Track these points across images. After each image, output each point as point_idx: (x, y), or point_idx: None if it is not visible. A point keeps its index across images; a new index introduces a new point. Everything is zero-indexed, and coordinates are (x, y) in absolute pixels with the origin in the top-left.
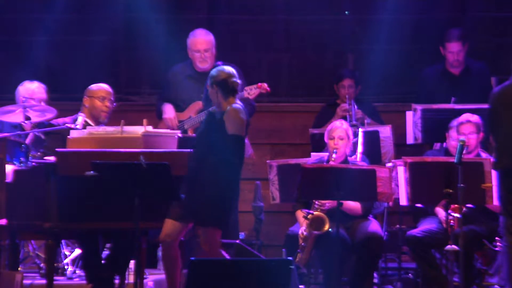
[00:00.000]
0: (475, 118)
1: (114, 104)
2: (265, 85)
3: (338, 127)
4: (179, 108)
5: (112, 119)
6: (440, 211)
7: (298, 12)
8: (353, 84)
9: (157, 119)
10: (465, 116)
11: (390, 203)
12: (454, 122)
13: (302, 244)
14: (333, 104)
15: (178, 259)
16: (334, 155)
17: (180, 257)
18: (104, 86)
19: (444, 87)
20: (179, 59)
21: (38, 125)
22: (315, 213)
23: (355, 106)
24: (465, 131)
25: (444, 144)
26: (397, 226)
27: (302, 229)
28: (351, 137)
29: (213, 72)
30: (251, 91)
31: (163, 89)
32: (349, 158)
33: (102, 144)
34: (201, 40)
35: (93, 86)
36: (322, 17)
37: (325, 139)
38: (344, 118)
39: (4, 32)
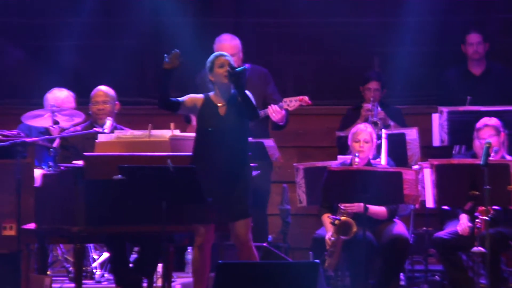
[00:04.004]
0: (493, 121)
1: (112, 104)
2: (306, 98)
3: (363, 130)
4: None
5: (140, 123)
6: (463, 219)
7: (324, 15)
8: (379, 87)
9: (184, 123)
10: (483, 121)
11: (417, 206)
12: (477, 125)
13: (330, 249)
14: (359, 107)
15: (209, 264)
16: (357, 159)
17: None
18: (98, 90)
19: (464, 87)
20: (206, 62)
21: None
22: (342, 218)
23: (378, 108)
24: (484, 135)
25: (463, 147)
26: (424, 228)
27: (329, 234)
28: (375, 140)
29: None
30: (291, 103)
31: (192, 93)
32: (372, 161)
33: (129, 148)
34: (227, 45)
35: (92, 92)
36: (347, 20)
37: (349, 142)
38: (367, 118)
39: (31, 37)
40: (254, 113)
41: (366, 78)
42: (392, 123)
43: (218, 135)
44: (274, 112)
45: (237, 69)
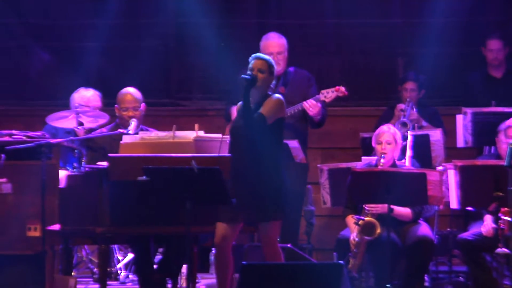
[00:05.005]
0: None
1: (141, 108)
2: (342, 88)
3: (385, 132)
4: None
5: (164, 124)
6: (487, 220)
7: (348, 16)
8: (416, 88)
9: (203, 124)
10: None
11: (441, 207)
12: (502, 126)
13: (354, 250)
14: (395, 107)
15: (231, 263)
16: (382, 160)
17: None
18: (127, 94)
19: (487, 90)
20: (230, 63)
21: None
22: (366, 218)
23: (413, 109)
24: None
25: (493, 148)
26: (448, 229)
27: (353, 235)
28: (399, 141)
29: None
30: (328, 95)
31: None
32: (397, 162)
33: (154, 149)
34: (274, 43)
35: (119, 95)
36: (371, 21)
37: (373, 144)
38: (399, 118)
39: (56, 38)
40: (249, 121)
41: (404, 78)
42: (425, 124)
43: (238, 135)
44: (311, 106)
45: (243, 75)
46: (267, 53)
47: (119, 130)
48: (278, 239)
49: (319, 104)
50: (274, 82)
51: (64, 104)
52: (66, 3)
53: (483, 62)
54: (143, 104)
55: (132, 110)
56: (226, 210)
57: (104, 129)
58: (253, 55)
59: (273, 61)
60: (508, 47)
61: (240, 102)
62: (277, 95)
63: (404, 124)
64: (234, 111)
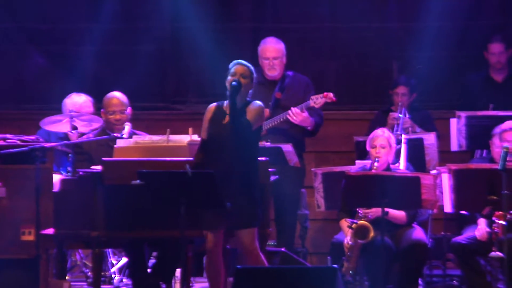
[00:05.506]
0: None
1: (127, 112)
2: (330, 94)
3: (380, 136)
4: None
5: (158, 128)
6: (481, 223)
7: (344, 20)
8: (407, 92)
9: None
10: (509, 123)
11: (435, 210)
12: (497, 129)
13: (348, 253)
14: (387, 111)
15: (222, 268)
16: (376, 164)
17: (225, 266)
18: (113, 98)
19: (486, 93)
20: (225, 67)
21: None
22: (359, 222)
23: (406, 116)
24: (509, 137)
25: (484, 152)
26: (442, 233)
27: (347, 238)
28: (393, 145)
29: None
30: (317, 100)
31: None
32: (391, 166)
33: (148, 153)
34: (271, 48)
35: (105, 99)
36: (367, 25)
37: (367, 147)
38: (392, 127)
39: (51, 42)
40: (238, 127)
41: (395, 83)
42: (419, 130)
43: (217, 143)
44: (295, 114)
45: (232, 82)
46: (264, 57)
47: (113, 134)
48: (258, 245)
49: (304, 114)
50: (250, 89)
51: (58, 108)
52: (62, 8)
53: (479, 65)
54: (129, 108)
55: (119, 113)
56: (206, 217)
57: (90, 134)
58: (234, 61)
59: (253, 68)
60: (510, 49)
61: (215, 103)
62: (258, 102)
63: (397, 135)
64: None
